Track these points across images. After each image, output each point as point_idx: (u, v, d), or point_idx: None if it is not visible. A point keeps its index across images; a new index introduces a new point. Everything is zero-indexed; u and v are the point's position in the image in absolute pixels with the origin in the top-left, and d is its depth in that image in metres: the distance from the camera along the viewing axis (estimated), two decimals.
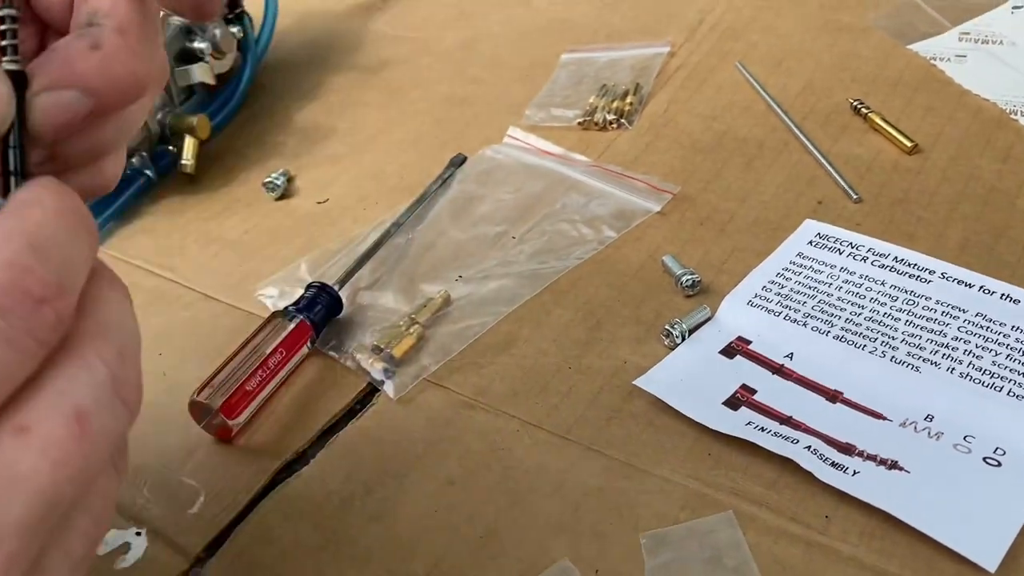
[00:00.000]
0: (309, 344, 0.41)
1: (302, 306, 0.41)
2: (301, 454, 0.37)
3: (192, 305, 0.46)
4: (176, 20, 0.55)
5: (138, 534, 0.35)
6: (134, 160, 0.54)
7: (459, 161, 0.52)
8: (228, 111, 0.61)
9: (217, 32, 0.57)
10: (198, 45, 0.57)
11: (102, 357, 0.20)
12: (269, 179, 0.53)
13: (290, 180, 0.54)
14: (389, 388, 0.39)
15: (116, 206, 0.54)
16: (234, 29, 0.60)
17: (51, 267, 0.19)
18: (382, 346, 0.40)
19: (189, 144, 0.55)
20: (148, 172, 0.55)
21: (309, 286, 0.42)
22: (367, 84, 0.63)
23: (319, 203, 0.52)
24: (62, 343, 0.19)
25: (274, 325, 0.40)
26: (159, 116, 0.55)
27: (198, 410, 0.37)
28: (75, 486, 0.19)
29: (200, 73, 0.57)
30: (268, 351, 0.39)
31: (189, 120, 0.55)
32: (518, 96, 0.57)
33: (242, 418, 0.37)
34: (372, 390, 0.39)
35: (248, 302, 0.45)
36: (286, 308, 0.41)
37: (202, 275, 0.48)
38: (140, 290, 0.47)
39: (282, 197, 0.53)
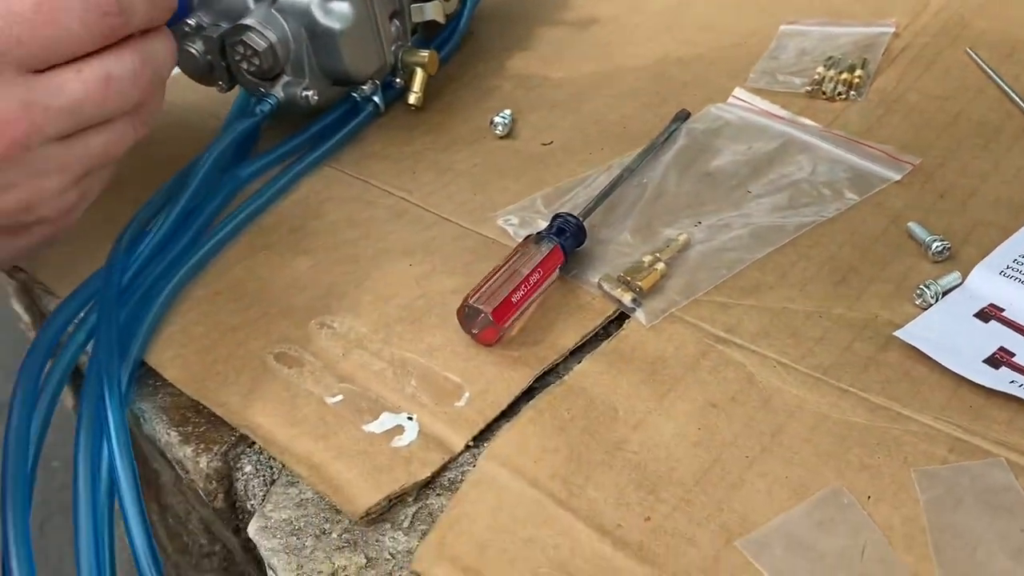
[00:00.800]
0: (558, 270, 0.43)
1: (553, 232, 0.43)
2: (555, 367, 0.39)
3: (433, 226, 0.48)
4: None
5: (410, 419, 0.37)
6: (366, 87, 0.57)
7: (683, 116, 0.54)
8: (447, 51, 0.63)
9: None
10: None
11: (133, 59, 0.38)
12: (497, 118, 0.55)
13: (513, 120, 0.56)
14: (640, 316, 0.41)
15: (348, 128, 0.57)
16: None
17: (119, 1, 0.37)
18: (628, 278, 0.42)
19: (419, 77, 0.58)
20: (376, 99, 0.58)
21: (556, 215, 0.44)
22: (578, 38, 0.65)
23: (544, 144, 0.54)
24: (117, 44, 0.38)
25: (530, 247, 0.42)
26: (392, 48, 0.58)
27: (467, 314, 0.40)
28: (97, 109, 0.38)
29: (432, 11, 0.59)
30: (526, 271, 0.41)
31: (421, 54, 0.58)
32: (736, 61, 0.59)
33: (506, 324, 0.40)
34: (620, 317, 0.41)
35: (486, 227, 0.48)
36: (539, 233, 0.43)
37: (439, 200, 0.50)
38: (380, 207, 0.50)
39: (506, 136, 0.55)
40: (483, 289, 0.40)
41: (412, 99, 0.58)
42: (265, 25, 0.53)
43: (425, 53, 0.58)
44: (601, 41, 0.64)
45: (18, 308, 0.61)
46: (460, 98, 0.60)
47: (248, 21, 0.52)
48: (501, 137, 0.55)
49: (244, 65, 0.53)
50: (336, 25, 0.53)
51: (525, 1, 0.71)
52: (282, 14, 0.54)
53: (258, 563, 0.38)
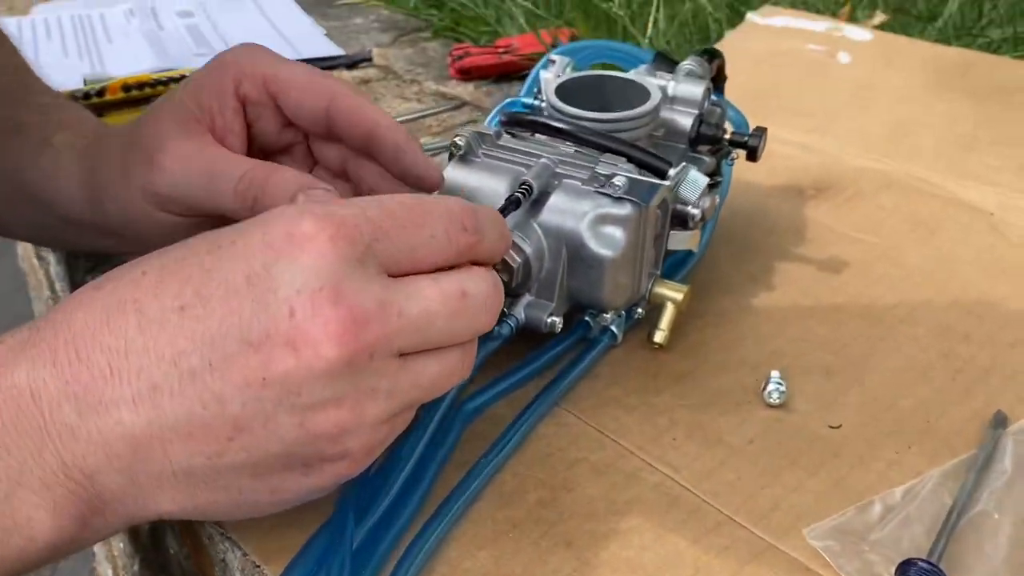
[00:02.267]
0: None
1: None
2: None
3: (721, 529, 0.39)
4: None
5: None
6: (608, 315, 0.49)
7: (1002, 420, 0.45)
8: (682, 276, 0.55)
9: (706, 201, 0.52)
10: (691, 211, 0.51)
11: (487, 281, 0.35)
12: (772, 384, 0.46)
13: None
14: None
15: (585, 363, 0.48)
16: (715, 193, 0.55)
17: (477, 219, 0.36)
18: None
19: (669, 313, 0.50)
20: (615, 329, 0.49)
21: (906, 562, 0.35)
22: (829, 284, 0.57)
23: (832, 427, 0.45)
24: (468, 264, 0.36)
25: None
26: (646, 280, 0.50)
27: None
28: (446, 326, 0.34)
29: (690, 240, 0.52)
30: None
31: (676, 289, 0.50)
32: None
33: None
34: None
35: (790, 542, 0.38)
36: None
37: (716, 487, 0.41)
38: (645, 485, 0.41)
39: (778, 406, 0.46)
40: None
41: (658, 337, 0.50)
42: (523, 237, 0.45)
43: (681, 289, 0.50)
44: (859, 292, 0.56)
45: None
46: (706, 339, 0.52)
47: None
48: (772, 406, 0.46)
49: None
50: (607, 253, 0.45)
51: (757, 228, 0.63)
52: (542, 228, 0.46)
53: None
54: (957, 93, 0.76)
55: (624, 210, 0.45)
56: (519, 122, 0.50)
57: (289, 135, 0.49)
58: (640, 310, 0.50)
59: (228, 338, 0.30)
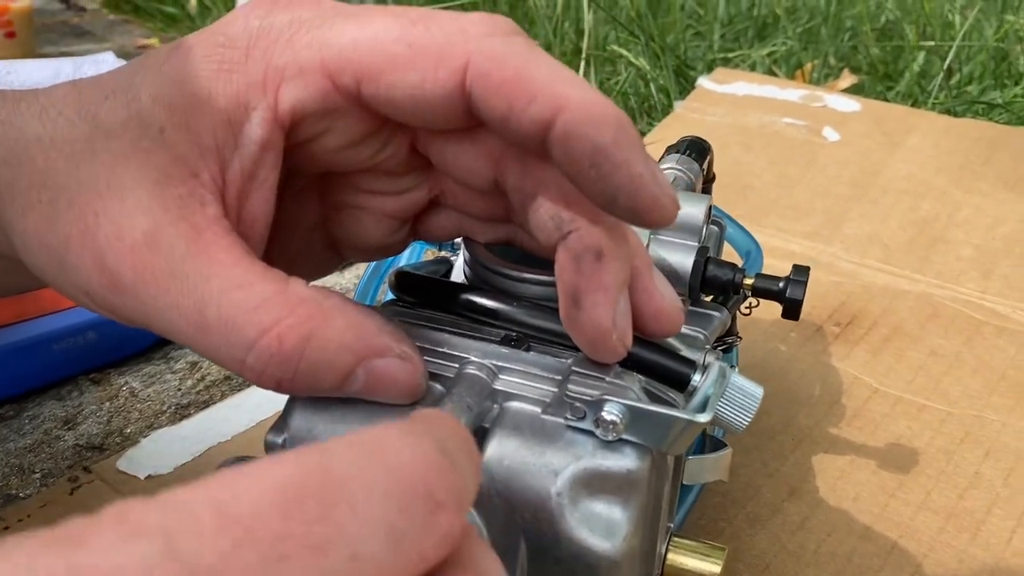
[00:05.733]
0: None
1: None
2: None
3: None
4: None
5: None
6: None
7: None
8: (684, 512, 0.35)
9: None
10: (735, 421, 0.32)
11: None
12: None
13: None
14: None
15: None
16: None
17: (455, 473, 0.16)
18: None
19: None
20: None
21: None
22: (852, 442, 0.38)
23: None
24: None
25: None
26: (661, 543, 0.29)
27: None
28: None
29: (719, 467, 0.32)
30: None
31: (705, 554, 0.29)
32: None
33: None
34: None
35: None
36: None
37: None
38: None
39: None
40: None
41: None
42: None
43: (715, 556, 0.29)
44: (895, 455, 0.37)
45: None
46: None
47: None
48: None
49: None
50: (602, 546, 0.24)
51: (777, 400, 0.44)
52: (478, 501, 0.25)
53: None
54: (988, 183, 0.59)
55: (627, 462, 0.24)
56: (423, 293, 0.29)
57: (373, 147, 0.26)
58: None
59: None
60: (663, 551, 0.29)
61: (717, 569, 0.29)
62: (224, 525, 0.14)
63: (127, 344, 0.46)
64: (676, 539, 0.29)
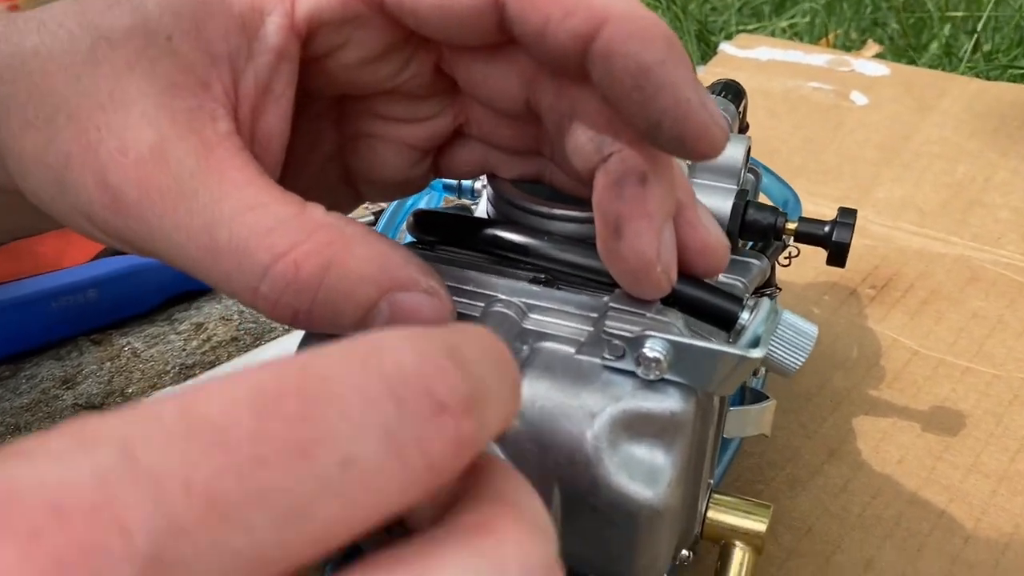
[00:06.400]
0: None
1: None
2: None
3: None
4: None
5: None
6: None
7: None
8: (721, 471, 0.33)
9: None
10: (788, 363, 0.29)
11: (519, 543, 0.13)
12: None
13: None
14: None
15: None
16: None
17: (463, 375, 0.13)
18: None
19: (738, 561, 0.27)
20: None
21: None
22: (894, 404, 0.36)
23: None
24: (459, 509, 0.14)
25: None
26: (702, 501, 0.27)
27: None
28: None
29: (761, 420, 0.30)
30: None
31: (749, 511, 0.27)
32: None
33: None
34: None
35: None
36: None
37: None
38: None
39: None
40: None
41: None
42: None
43: (760, 513, 0.27)
44: (938, 416, 0.35)
45: None
46: None
47: None
48: None
49: None
50: (644, 494, 0.22)
51: (812, 363, 0.42)
52: (507, 444, 0.23)
53: None
54: None
55: (671, 403, 0.22)
56: (445, 231, 0.27)
57: (395, 64, 0.24)
58: (688, 553, 0.28)
59: None
60: (703, 508, 0.27)
61: (763, 527, 0.27)
62: (191, 429, 0.11)
63: (129, 304, 0.44)
64: (717, 495, 0.27)
